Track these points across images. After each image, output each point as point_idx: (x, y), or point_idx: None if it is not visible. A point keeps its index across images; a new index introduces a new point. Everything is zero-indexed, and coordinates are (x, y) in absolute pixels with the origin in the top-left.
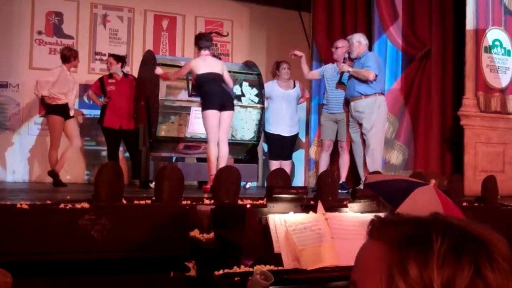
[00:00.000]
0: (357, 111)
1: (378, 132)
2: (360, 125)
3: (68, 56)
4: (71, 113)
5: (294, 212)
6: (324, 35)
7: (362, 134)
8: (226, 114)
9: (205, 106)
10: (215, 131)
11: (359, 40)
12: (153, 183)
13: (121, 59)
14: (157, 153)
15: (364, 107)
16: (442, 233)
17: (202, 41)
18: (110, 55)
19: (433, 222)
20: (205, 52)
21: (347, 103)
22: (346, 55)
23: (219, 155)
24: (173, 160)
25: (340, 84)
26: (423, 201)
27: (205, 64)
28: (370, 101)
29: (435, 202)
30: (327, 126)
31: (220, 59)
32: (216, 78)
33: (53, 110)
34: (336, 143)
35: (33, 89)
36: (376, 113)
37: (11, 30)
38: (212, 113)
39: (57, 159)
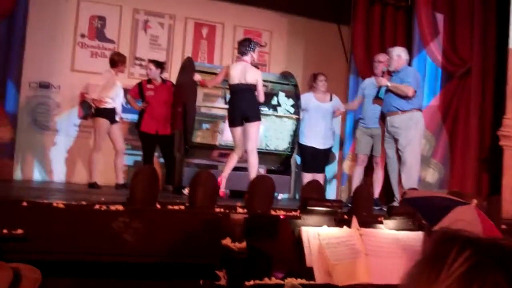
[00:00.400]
0: (393, 127)
1: (414, 149)
2: (396, 140)
3: (117, 61)
4: (118, 117)
5: (328, 226)
6: (363, 49)
7: (397, 150)
8: (250, 125)
9: (228, 121)
10: (238, 143)
11: (399, 54)
12: (186, 189)
13: (160, 65)
14: (192, 160)
15: (400, 123)
16: (463, 256)
17: (240, 47)
18: (150, 60)
19: (465, 242)
20: (243, 58)
21: (383, 117)
22: (385, 68)
23: (249, 165)
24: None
25: (377, 99)
26: (463, 221)
27: (238, 72)
28: (407, 117)
29: (475, 222)
30: (363, 141)
31: (257, 68)
32: (245, 89)
33: (101, 113)
34: (370, 158)
35: (83, 91)
36: (413, 130)
37: (56, 32)
38: (233, 130)
39: (95, 162)
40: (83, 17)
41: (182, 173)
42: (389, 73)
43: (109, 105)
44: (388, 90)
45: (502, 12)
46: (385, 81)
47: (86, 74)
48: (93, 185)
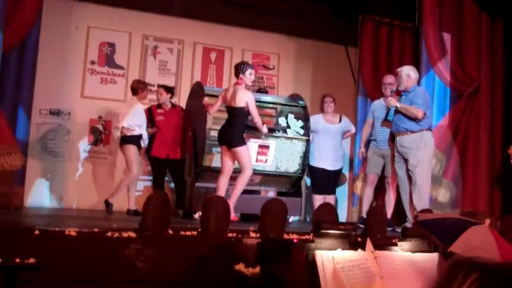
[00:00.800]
0: (403, 147)
1: (424, 168)
2: (406, 160)
3: (136, 88)
4: (143, 144)
5: (342, 249)
6: (370, 70)
7: (408, 170)
8: (234, 151)
9: None
10: (222, 164)
11: (408, 73)
12: (197, 213)
13: (171, 91)
14: (202, 184)
15: (410, 143)
16: (471, 279)
17: (234, 70)
18: (161, 86)
19: (472, 266)
20: (237, 81)
21: (392, 138)
22: (394, 88)
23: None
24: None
25: (385, 121)
26: (477, 241)
27: (229, 95)
28: (416, 136)
29: (490, 242)
30: (374, 160)
31: (266, 92)
32: (232, 113)
33: (129, 140)
34: (382, 179)
35: (115, 122)
36: (423, 150)
37: (66, 59)
38: (221, 149)
39: (123, 188)
40: (92, 44)
41: (192, 197)
42: (398, 93)
43: (136, 132)
44: (397, 111)
45: (509, 29)
46: (394, 102)
47: (97, 101)
48: (108, 204)
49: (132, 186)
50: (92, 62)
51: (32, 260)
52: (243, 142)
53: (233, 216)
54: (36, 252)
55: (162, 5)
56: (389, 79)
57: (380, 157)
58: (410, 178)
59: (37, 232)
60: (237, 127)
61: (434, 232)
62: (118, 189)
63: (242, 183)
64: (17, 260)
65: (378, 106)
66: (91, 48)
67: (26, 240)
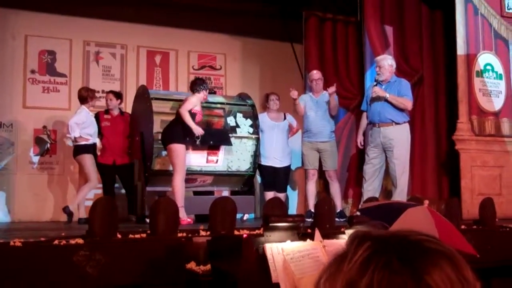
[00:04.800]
0: (386, 138)
1: (407, 163)
2: (385, 151)
3: (86, 97)
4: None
5: (291, 241)
6: (317, 65)
7: (387, 160)
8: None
9: None
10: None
11: (391, 63)
12: None
13: (120, 96)
14: (153, 188)
15: (395, 134)
16: (363, 248)
17: (192, 85)
18: (110, 91)
19: (363, 237)
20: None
21: (370, 127)
22: (378, 77)
23: None
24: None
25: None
26: (415, 221)
27: None
28: (401, 128)
29: (428, 221)
30: (309, 155)
31: (214, 92)
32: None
33: (84, 150)
34: (323, 174)
35: (66, 133)
36: (406, 143)
37: (5, 70)
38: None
39: (84, 196)
40: (31, 53)
41: (144, 202)
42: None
43: (90, 141)
44: (375, 99)
45: (449, 21)
46: (382, 92)
47: (40, 110)
48: (68, 213)
49: (84, 192)
50: (33, 71)
51: None
52: (177, 141)
53: (185, 220)
54: None
55: (102, 10)
56: (317, 75)
57: (315, 151)
58: (386, 167)
59: None
60: (176, 126)
61: (376, 219)
62: (80, 199)
63: (177, 188)
64: None
65: (308, 98)
66: (30, 57)
67: None
